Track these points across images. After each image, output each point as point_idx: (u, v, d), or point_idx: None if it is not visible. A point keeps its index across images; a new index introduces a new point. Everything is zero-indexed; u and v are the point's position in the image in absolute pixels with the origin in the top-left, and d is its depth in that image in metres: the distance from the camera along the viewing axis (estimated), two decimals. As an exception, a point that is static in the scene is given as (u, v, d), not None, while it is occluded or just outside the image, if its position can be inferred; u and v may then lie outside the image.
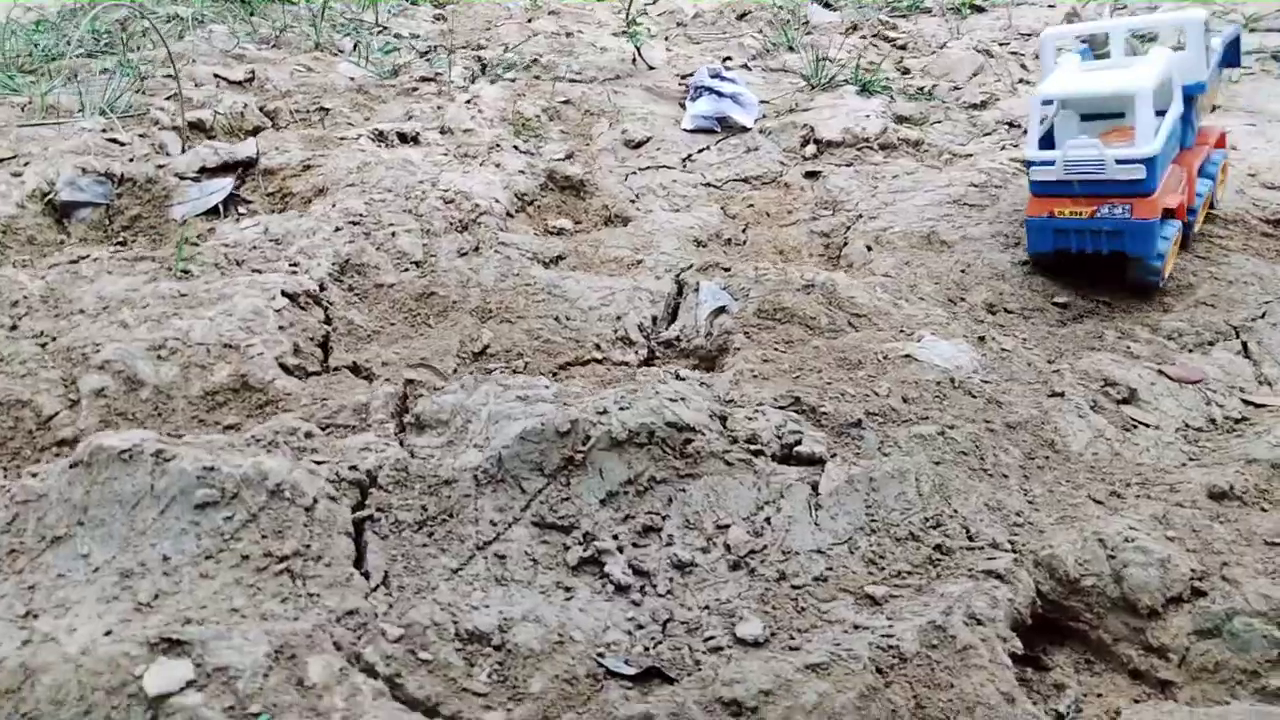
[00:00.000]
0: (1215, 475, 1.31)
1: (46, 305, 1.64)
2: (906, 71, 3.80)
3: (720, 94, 2.97)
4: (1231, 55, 2.09)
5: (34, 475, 1.21)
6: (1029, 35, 4.35)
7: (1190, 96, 1.87)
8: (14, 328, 1.57)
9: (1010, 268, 1.98)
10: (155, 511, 1.14)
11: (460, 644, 1.03)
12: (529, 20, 5.03)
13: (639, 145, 2.85)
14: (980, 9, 5.05)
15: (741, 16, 5.23)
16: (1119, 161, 1.69)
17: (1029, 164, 1.80)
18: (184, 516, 1.14)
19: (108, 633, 0.98)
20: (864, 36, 4.56)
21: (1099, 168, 1.71)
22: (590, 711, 0.97)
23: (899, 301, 1.83)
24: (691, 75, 3.34)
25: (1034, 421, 1.46)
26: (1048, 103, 1.81)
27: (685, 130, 2.96)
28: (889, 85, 3.33)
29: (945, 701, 1.01)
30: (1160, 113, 1.76)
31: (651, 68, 3.91)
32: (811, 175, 2.59)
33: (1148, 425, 1.47)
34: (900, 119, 3.02)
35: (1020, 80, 3.50)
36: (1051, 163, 1.75)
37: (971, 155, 2.64)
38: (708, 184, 2.58)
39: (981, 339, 1.70)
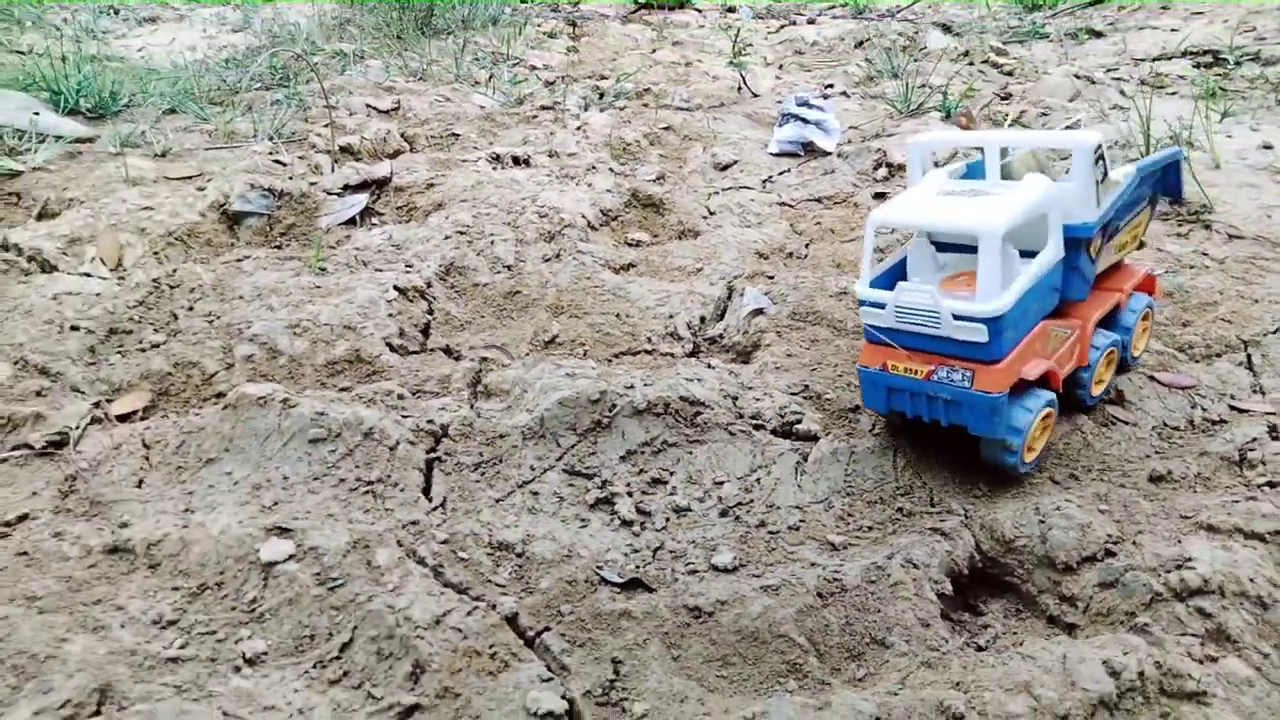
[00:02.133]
0: (1164, 464, 1.47)
1: (215, 292, 2.07)
2: (1007, 98, 3.92)
3: (805, 120, 3.21)
4: (1172, 182, 1.73)
5: (197, 414, 1.61)
6: (1141, 60, 4.37)
7: (1077, 239, 1.47)
8: (190, 308, 2.01)
9: (1042, 283, 2.14)
10: (280, 443, 1.51)
11: (491, 550, 1.34)
12: (653, 51, 5.40)
13: (726, 167, 3.13)
14: (1099, 34, 5.06)
15: (860, 44, 5.43)
16: (957, 317, 1.34)
17: (860, 302, 1.45)
18: (300, 448, 1.50)
19: (240, 522, 1.34)
20: (972, 63, 4.68)
21: (934, 322, 1.37)
22: (583, 605, 1.26)
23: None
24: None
25: (1018, 414, 1.65)
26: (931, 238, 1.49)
27: (771, 154, 3.22)
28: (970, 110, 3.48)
29: (870, 622, 1.24)
30: (1031, 254, 1.44)
31: (756, 95, 4.19)
32: (880, 196, 2.79)
33: (1126, 423, 1.63)
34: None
35: (1114, 106, 3.57)
36: (882, 306, 1.41)
37: (1037, 179, 2.78)
38: (782, 203, 2.83)
39: (993, 344, 1.88)
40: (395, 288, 2.06)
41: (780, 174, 3.06)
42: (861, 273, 1.47)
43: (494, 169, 2.91)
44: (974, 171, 1.61)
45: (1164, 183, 1.73)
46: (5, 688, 0.99)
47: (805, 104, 3.27)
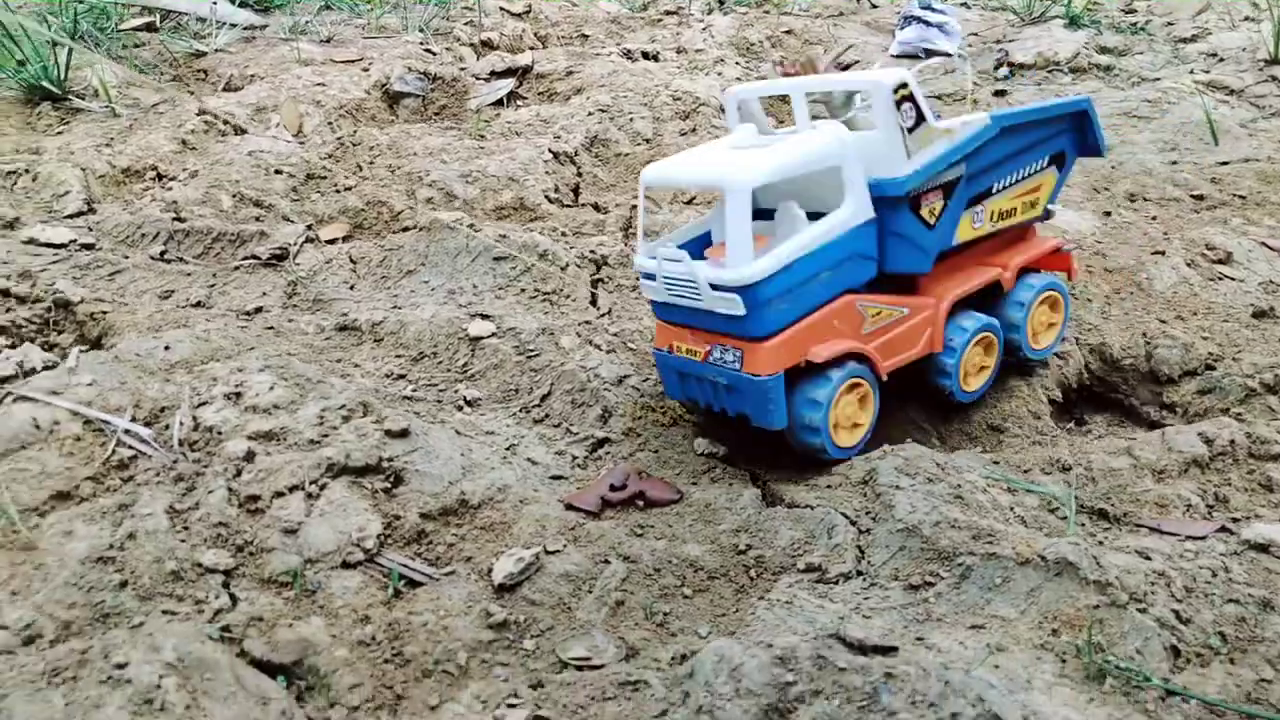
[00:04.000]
0: (1267, 303, 1.59)
1: (391, 150, 2.32)
2: (1131, 11, 3.90)
3: (927, 23, 3.29)
4: (1091, 140, 1.43)
5: (396, 237, 1.86)
6: (1277, -24, 4.25)
7: (890, 198, 1.22)
8: (372, 162, 2.27)
9: (1159, 167, 2.24)
10: (469, 260, 1.75)
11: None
12: (769, -34, 5.45)
13: (847, 67, 3.24)
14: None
15: (978, -38, 5.37)
16: (714, 287, 1.16)
17: (641, 274, 1.27)
18: (485, 264, 1.74)
19: (445, 311, 1.59)
20: (1098, -22, 4.62)
21: (695, 293, 1.18)
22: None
23: (1043, 185, 2.16)
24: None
25: (1130, 269, 1.78)
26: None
27: (892, 55, 3.32)
28: (1098, 20, 3.49)
29: (987, 413, 1.42)
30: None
31: (875, 5, 4.24)
32: (1000, 94, 2.88)
33: (1233, 279, 1.75)
34: (1102, 49, 3.21)
35: (1246, 18, 3.53)
36: (654, 277, 1.23)
37: (1159, 79, 2.83)
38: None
39: (1108, 214, 2.01)
40: (550, 150, 2.27)
41: (900, 73, 3.16)
42: (637, 240, 1.28)
43: (627, 61, 3.09)
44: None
45: (1079, 140, 1.43)
46: (295, 394, 1.26)
47: (928, 6, 3.34)
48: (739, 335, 1.19)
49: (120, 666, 0.84)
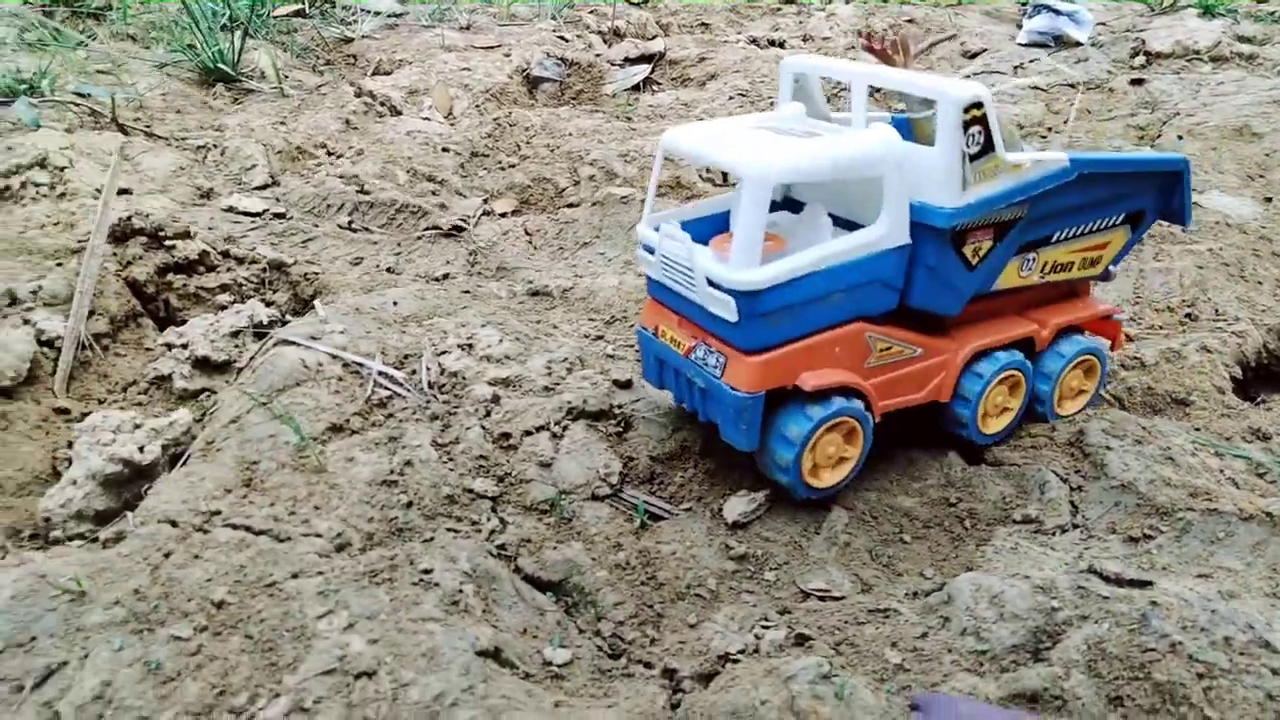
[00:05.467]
0: None
1: (545, 131, 2.42)
2: (1263, 1, 3.81)
3: (1057, 12, 3.27)
4: (1176, 203, 1.26)
5: (568, 210, 1.96)
6: None
7: (934, 228, 1.06)
8: (529, 142, 2.37)
9: (1317, 154, 2.21)
10: (642, 232, 1.83)
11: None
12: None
13: (974, 55, 3.25)
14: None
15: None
16: (710, 283, 1.02)
17: (641, 244, 1.15)
18: (659, 237, 1.82)
19: (628, 279, 1.67)
20: (1222, -31, 4.52)
21: (688, 280, 1.05)
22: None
23: (1198, 172, 2.16)
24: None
25: (1299, 252, 1.78)
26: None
27: (1020, 45, 3.31)
28: (1235, 9, 3.43)
29: (1169, 388, 1.45)
30: (855, 226, 1.09)
31: (992, -4, 4.22)
32: (1137, 82, 2.86)
33: None
34: (1240, 38, 3.16)
35: (1390, 7, 3.43)
36: (653, 250, 1.11)
37: (1307, 68, 2.78)
38: (1035, 87, 2.94)
39: (1268, 199, 2.00)
40: (699, 132, 2.35)
41: (1031, 62, 3.15)
42: (647, 202, 1.17)
43: (755, 49, 3.15)
44: (898, 126, 1.13)
45: (1163, 202, 1.27)
46: (520, 347, 1.35)
47: (1057, -5, 3.32)
48: (726, 341, 1.06)
49: (426, 572, 0.94)
